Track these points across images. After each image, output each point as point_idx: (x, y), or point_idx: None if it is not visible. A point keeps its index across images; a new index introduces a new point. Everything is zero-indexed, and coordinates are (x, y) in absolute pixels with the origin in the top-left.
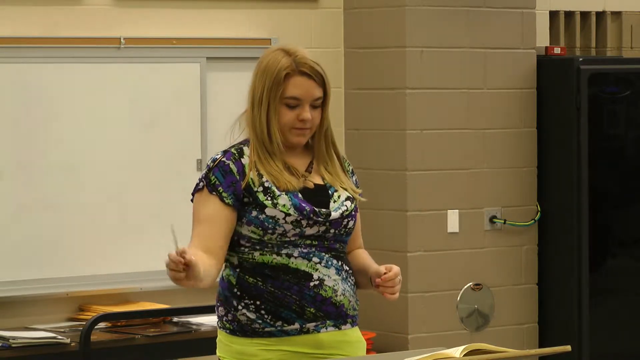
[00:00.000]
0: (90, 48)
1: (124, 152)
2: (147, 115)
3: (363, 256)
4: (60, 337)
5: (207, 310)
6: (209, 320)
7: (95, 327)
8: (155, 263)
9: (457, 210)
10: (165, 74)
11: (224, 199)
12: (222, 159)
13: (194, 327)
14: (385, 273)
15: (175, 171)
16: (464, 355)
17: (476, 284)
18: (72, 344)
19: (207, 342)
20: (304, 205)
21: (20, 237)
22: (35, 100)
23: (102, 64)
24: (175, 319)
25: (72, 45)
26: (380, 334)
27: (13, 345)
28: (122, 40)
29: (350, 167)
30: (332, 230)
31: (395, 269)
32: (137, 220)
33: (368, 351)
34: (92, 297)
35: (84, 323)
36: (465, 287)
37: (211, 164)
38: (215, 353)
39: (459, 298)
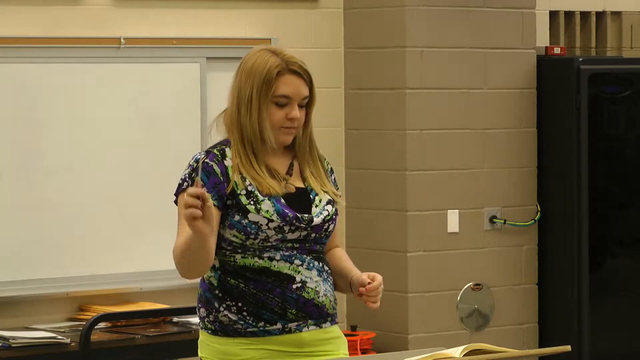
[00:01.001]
0: (90, 48)
1: (123, 152)
2: (147, 115)
3: (342, 258)
4: (60, 337)
5: None
6: None
7: (95, 327)
8: (155, 263)
9: (457, 210)
10: (165, 74)
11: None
12: (206, 160)
13: (194, 327)
14: (369, 283)
15: (175, 171)
16: (464, 355)
17: (476, 284)
18: (72, 344)
19: None
20: (286, 211)
21: (20, 237)
22: (35, 100)
23: (102, 64)
24: (175, 319)
25: (72, 45)
26: (380, 334)
27: (13, 345)
28: (122, 40)
29: (329, 166)
30: (313, 235)
31: (379, 278)
32: (137, 220)
33: (368, 351)
34: (92, 297)
35: (84, 323)
36: (465, 287)
37: (194, 164)
38: None
39: (459, 298)
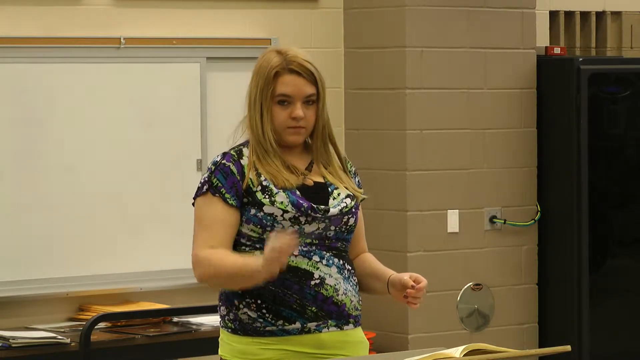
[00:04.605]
0: (90, 48)
1: (123, 152)
2: (147, 115)
3: (374, 261)
4: (60, 337)
5: (207, 310)
6: (209, 320)
7: (95, 327)
8: (155, 263)
9: (457, 210)
10: (165, 74)
11: (227, 200)
12: (222, 161)
13: (194, 327)
14: (413, 285)
15: (175, 171)
16: (464, 355)
17: (476, 284)
18: (72, 344)
19: (207, 342)
20: (301, 202)
21: (20, 237)
22: (35, 100)
23: (102, 64)
24: (175, 319)
25: (72, 45)
26: (380, 334)
27: (13, 345)
28: (122, 40)
29: (353, 169)
30: (332, 228)
31: (424, 280)
32: (136, 220)
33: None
34: (92, 297)
35: (84, 323)
36: (465, 287)
37: (212, 167)
38: (215, 353)
39: (459, 298)
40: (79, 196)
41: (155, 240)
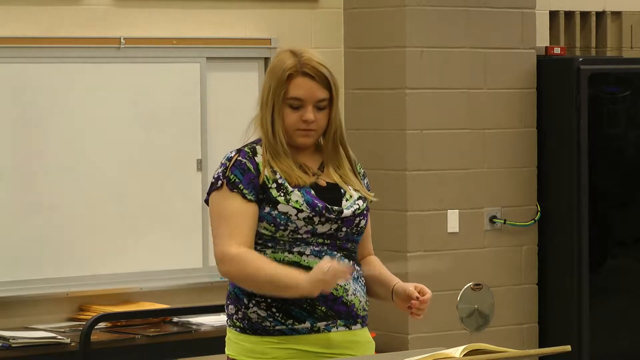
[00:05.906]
0: (90, 48)
1: (124, 152)
2: (147, 115)
3: (380, 265)
4: (60, 337)
5: (207, 310)
6: (209, 320)
7: (95, 327)
8: (155, 263)
9: (457, 210)
10: (165, 74)
11: (246, 195)
12: (238, 158)
13: (194, 327)
14: (417, 297)
15: (175, 171)
16: (464, 355)
17: (476, 284)
18: (72, 344)
19: (207, 342)
20: (316, 201)
21: (20, 237)
22: (35, 100)
23: (102, 64)
24: (175, 319)
25: (72, 45)
26: (380, 334)
27: (13, 345)
28: (122, 40)
29: (362, 170)
30: (344, 229)
31: (429, 292)
32: (137, 220)
33: None
34: (92, 297)
35: (84, 323)
36: (465, 287)
37: (227, 163)
38: (215, 352)
39: (459, 298)
40: (79, 196)
41: (155, 240)
